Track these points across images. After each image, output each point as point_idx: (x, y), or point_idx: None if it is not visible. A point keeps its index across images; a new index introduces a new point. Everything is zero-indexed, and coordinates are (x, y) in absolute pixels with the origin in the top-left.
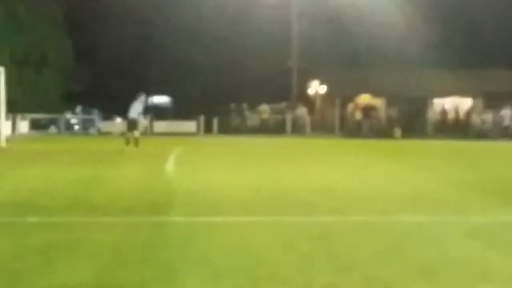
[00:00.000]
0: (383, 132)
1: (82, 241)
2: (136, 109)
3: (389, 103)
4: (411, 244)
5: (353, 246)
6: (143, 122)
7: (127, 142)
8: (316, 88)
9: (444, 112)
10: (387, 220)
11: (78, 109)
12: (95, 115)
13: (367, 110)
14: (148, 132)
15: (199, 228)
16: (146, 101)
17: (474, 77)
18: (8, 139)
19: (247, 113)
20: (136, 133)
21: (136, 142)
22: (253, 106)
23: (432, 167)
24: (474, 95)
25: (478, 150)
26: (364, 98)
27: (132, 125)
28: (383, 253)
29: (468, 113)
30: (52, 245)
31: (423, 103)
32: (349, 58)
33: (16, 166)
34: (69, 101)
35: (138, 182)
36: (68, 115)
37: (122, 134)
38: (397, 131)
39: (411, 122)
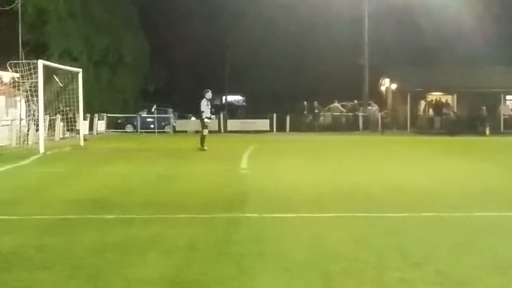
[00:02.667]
0: (470, 129)
1: (159, 237)
2: (202, 107)
3: (459, 100)
4: (484, 240)
5: (425, 241)
6: (210, 120)
7: (202, 142)
8: (387, 85)
9: None
10: (460, 216)
11: (154, 108)
12: (170, 114)
13: (439, 107)
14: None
15: (273, 224)
16: (211, 97)
17: None
18: (86, 138)
19: (318, 110)
20: (205, 132)
21: (202, 140)
22: (325, 104)
23: (505, 163)
24: None
25: None
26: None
27: (202, 123)
28: (455, 248)
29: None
30: (129, 241)
31: (495, 100)
32: (419, 55)
33: (94, 165)
34: (144, 100)
35: (213, 179)
36: (144, 114)
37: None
38: (487, 130)
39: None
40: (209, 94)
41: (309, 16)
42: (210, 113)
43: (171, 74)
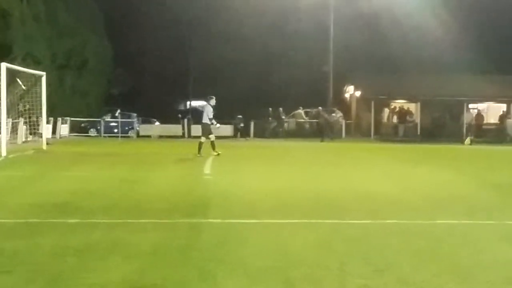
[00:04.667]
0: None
1: (121, 242)
2: (207, 113)
3: (424, 108)
4: (446, 247)
5: (387, 248)
6: (215, 126)
7: (213, 148)
8: (352, 92)
9: (479, 117)
10: (422, 224)
11: (118, 112)
12: (134, 118)
13: (403, 115)
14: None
15: (235, 229)
16: (214, 104)
17: (510, 82)
18: (49, 142)
19: (283, 117)
20: (212, 137)
21: (200, 147)
22: (289, 110)
23: (468, 171)
24: (509, 100)
25: None
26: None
27: (205, 130)
28: (417, 255)
29: (502, 118)
30: (91, 245)
31: (458, 108)
32: (384, 63)
33: (57, 169)
34: (108, 104)
35: (176, 184)
36: (108, 119)
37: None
38: (468, 139)
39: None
40: (213, 101)
41: (276, 22)
42: (210, 118)
43: (135, 79)
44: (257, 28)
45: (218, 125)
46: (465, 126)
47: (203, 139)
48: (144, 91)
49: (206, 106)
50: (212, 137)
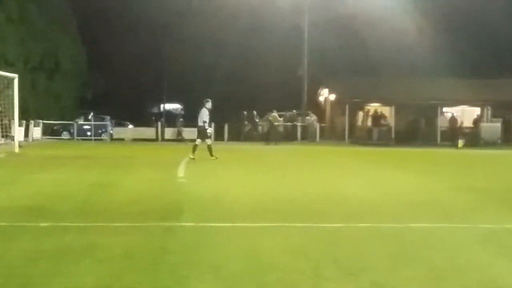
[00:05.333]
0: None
1: (94, 246)
2: (202, 116)
3: (398, 111)
4: (420, 251)
5: (361, 252)
6: (210, 129)
7: (210, 152)
8: (326, 96)
9: (453, 121)
10: (397, 227)
11: (91, 115)
12: (108, 121)
13: (377, 118)
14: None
15: (209, 233)
16: (211, 107)
17: (483, 86)
18: (21, 145)
19: (257, 120)
20: (208, 141)
21: (194, 149)
22: (264, 113)
23: (442, 174)
24: (483, 104)
25: (487, 158)
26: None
27: (202, 133)
28: (391, 259)
29: (476, 122)
30: (64, 249)
31: (433, 112)
32: (359, 67)
33: (29, 172)
34: (82, 107)
35: (149, 188)
36: (81, 121)
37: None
38: (460, 142)
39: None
40: (209, 104)
41: (250, 26)
42: (205, 122)
43: (109, 82)
44: (231, 31)
45: (209, 129)
46: (439, 129)
47: (198, 141)
48: (118, 94)
49: (202, 110)
50: (208, 141)
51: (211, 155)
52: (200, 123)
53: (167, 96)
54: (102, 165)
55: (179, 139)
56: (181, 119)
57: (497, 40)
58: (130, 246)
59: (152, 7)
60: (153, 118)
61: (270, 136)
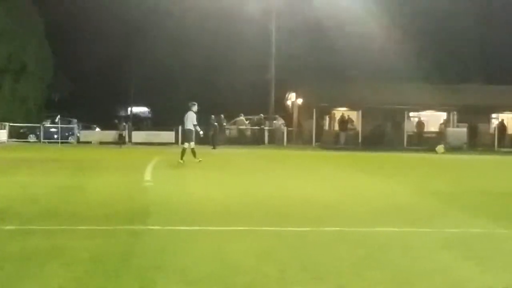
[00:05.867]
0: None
1: (60, 249)
2: (190, 119)
3: (365, 116)
4: (385, 254)
5: (328, 256)
6: (201, 132)
7: (194, 155)
8: (294, 100)
9: (420, 125)
10: (363, 231)
11: (58, 118)
12: (75, 124)
13: (344, 123)
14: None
15: (176, 237)
16: (197, 111)
17: (450, 91)
18: None
19: (225, 124)
20: (192, 145)
21: (183, 153)
22: (231, 117)
23: (408, 179)
24: (449, 109)
25: (453, 163)
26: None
27: (187, 136)
28: (357, 263)
29: (443, 127)
30: (30, 252)
31: (400, 116)
32: (327, 71)
33: None
34: (48, 110)
35: (116, 191)
36: (48, 124)
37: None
38: (440, 147)
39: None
40: (195, 107)
41: (219, 29)
42: (194, 125)
43: (76, 85)
44: (200, 34)
45: (201, 132)
46: (406, 134)
47: (186, 145)
48: (85, 97)
49: (189, 113)
50: (192, 144)
51: (181, 158)
52: (187, 127)
53: (134, 99)
54: (69, 168)
55: (120, 142)
56: (124, 123)
57: (464, 46)
58: (96, 249)
59: (120, 10)
60: (116, 121)
61: (214, 140)
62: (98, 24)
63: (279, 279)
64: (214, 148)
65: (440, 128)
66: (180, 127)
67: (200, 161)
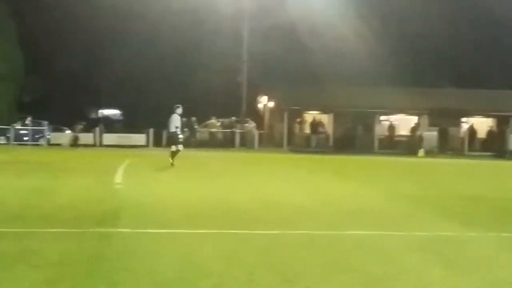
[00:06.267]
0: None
1: (30, 252)
2: (174, 123)
3: (336, 119)
4: (355, 257)
5: (297, 259)
6: (180, 136)
7: (172, 157)
8: (265, 103)
9: (391, 129)
10: (333, 234)
11: (28, 120)
12: (45, 126)
13: (315, 126)
14: (98, 144)
15: (145, 240)
16: (181, 113)
17: (421, 94)
18: None
19: (196, 126)
20: (173, 148)
21: (172, 157)
22: (203, 120)
23: (379, 183)
24: (420, 112)
25: (424, 166)
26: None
27: (171, 139)
28: (327, 266)
29: (414, 131)
30: None
31: (371, 120)
32: (299, 74)
33: None
34: (19, 112)
35: (86, 193)
36: (18, 126)
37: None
38: (421, 151)
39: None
40: (179, 110)
41: (190, 31)
42: (177, 128)
43: (47, 86)
44: (172, 37)
45: (181, 135)
46: (376, 137)
47: (173, 147)
48: (56, 99)
49: (173, 116)
50: (173, 147)
51: (171, 160)
52: (171, 129)
53: (106, 101)
54: (39, 170)
55: (75, 144)
56: (80, 126)
57: (435, 50)
58: (66, 252)
59: (91, 11)
60: (84, 123)
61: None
62: (70, 24)
63: (248, 281)
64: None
65: (412, 131)
66: (151, 130)
67: (172, 164)
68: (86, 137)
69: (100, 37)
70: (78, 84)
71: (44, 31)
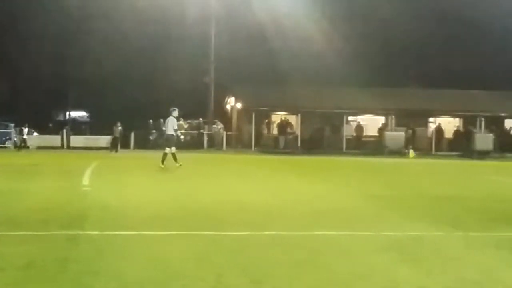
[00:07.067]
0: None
1: None
2: (171, 125)
3: (304, 120)
4: (324, 258)
5: (265, 259)
6: (179, 137)
7: (175, 160)
8: (233, 104)
9: (359, 129)
10: (301, 235)
11: None
12: (12, 129)
13: (283, 127)
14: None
15: (113, 242)
16: (178, 116)
17: (388, 95)
18: None
19: (164, 128)
20: (173, 149)
21: (164, 158)
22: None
23: (347, 183)
24: (387, 113)
25: (391, 167)
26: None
27: (169, 141)
28: (295, 266)
29: (381, 131)
30: None
31: (338, 120)
32: (267, 75)
33: None
34: None
35: (54, 196)
36: None
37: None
38: (411, 152)
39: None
40: (175, 113)
41: (158, 32)
42: (175, 130)
43: (14, 88)
44: (139, 38)
45: (182, 136)
46: (344, 138)
47: (167, 150)
48: (23, 100)
49: (170, 118)
50: (173, 149)
51: (176, 161)
52: (168, 132)
53: (73, 103)
54: (5, 173)
55: (21, 146)
56: (24, 128)
57: (402, 50)
58: (33, 255)
59: (58, 12)
60: (50, 125)
61: (112, 144)
62: (37, 25)
63: (216, 283)
64: (113, 151)
65: (380, 132)
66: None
67: (180, 165)
68: (53, 139)
69: (66, 39)
70: (46, 85)
71: (9, 33)
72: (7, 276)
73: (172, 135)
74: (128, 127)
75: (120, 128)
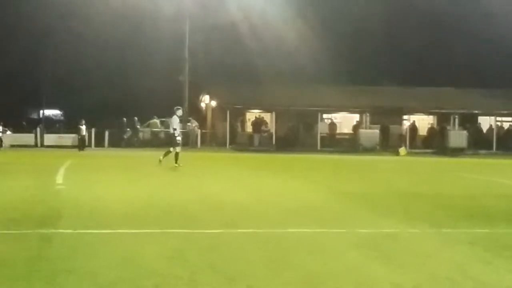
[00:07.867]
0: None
1: None
2: (174, 124)
3: (279, 118)
4: (297, 255)
5: (239, 257)
6: (179, 138)
7: (176, 159)
8: (207, 102)
9: (333, 127)
10: (274, 233)
11: None
12: None
13: (258, 125)
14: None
15: (87, 240)
16: (182, 115)
17: (363, 92)
18: None
19: (138, 126)
20: (171, 149)
21: (165, 155)
22: (145, 119)
23: (321, 180)
24: (362, 111)
25: (366, 164)
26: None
27: (173, 140)
28: (269, 264)
29: (356, 128)
30: None
31: (313, 118)
32: (241, 73)
33: None
34: None
35: (26, 194)
36: None
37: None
38: (403, 150)
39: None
40: (180, 112)
41: (132, 30)
42: (175, 129)
43: None
44: (113, 36)
45: (179, 137)
46: (319, 135)
47: (171, 149)
48: None
49: (173, 117)
50: (178, 148)
51: (176, 162)
52: (171, 131)
53: (47, 101)
54: None
55: None
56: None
57: (376, 48)
58: (4, 254)
59: (32, 10)
60: (24, 123)
61: (80, 143)
62: (8, 22)
63: (190, 281)
64: (81, 150)
65: (354, 129)
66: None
67: (180, 165)
68: (26, 138)
69: (40, 37)
70: (19, 84)
71: None
72: None
73: (174, 134)
74: (102, 125)
75: (84, 126)
